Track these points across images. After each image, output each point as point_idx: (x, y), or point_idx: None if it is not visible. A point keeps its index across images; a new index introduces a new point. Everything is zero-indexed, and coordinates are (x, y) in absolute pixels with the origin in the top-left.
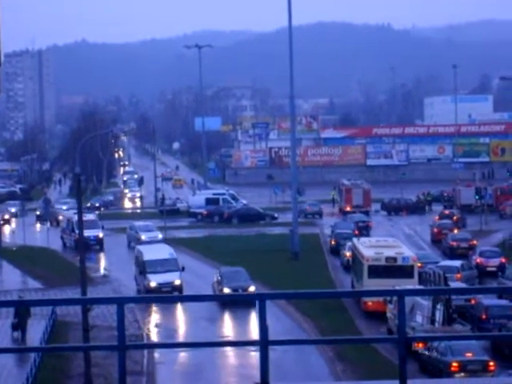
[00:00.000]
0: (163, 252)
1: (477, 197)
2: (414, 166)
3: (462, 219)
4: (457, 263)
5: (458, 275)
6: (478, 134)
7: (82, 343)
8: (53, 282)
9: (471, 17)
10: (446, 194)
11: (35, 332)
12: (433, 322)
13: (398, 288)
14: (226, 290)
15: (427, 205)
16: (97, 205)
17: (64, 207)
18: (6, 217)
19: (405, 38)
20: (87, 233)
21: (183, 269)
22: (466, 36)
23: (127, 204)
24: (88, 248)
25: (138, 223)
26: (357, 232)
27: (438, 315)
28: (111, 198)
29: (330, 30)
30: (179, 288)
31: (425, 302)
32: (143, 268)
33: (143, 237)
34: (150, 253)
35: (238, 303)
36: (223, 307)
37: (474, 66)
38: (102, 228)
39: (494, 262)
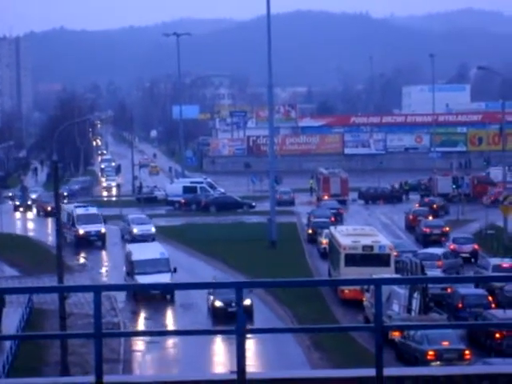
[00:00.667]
0: (154, 251)
1: (454, 186)
2: (392, 155)
3: (445, 207)
4: (439, 251)
5: (439, 263)
6: (456, 124)
7: (59, 331)
8: (30, 269)
9: (449, 6)
10: (423, 183)
11: (11, 320)
12: (409, 310)
13: (375, 277)
14: (218, 304)
15: (404, 194)
16: (65, 194)
17: (33, 196)
18: None
19: (383, 26)
20: (88, 228)
21: (175, 270)
22: (445, 25)
23: (102, 192)
24: (90, 244)
25: (131, 216)
26: (333, 219)
27: (415, 304)
28: (76, 186)
29: (308, 18)
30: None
31: (401, 291)
32: (132, 268)
33: (135, 230)
34: (140, 252)
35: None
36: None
37: (452, 56)
38: (105, 223)
39: (466, 248)
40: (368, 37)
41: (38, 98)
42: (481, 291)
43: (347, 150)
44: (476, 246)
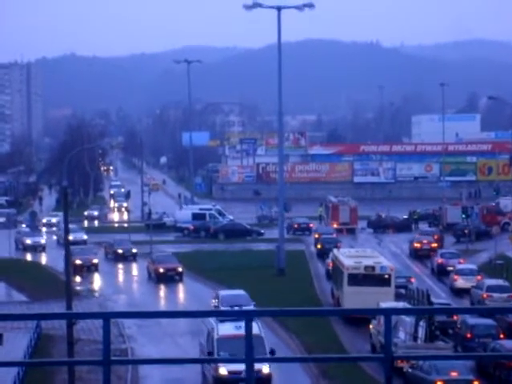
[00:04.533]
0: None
1: (463, 216)
2: (401, 184)
3: (441, 238)
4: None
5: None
6: (465, 153)
7: (67, 357)
8: (38, 295)
9: (459, 36)
10: (432, 213)
11: (19, 345)
12: (415, 338)
13: (383, 306)
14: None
15: (414, 223)
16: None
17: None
18: None
19: (393, 55)
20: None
21: (272, 352)
22: (454, 54)
23: (112, 217)
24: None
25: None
26: (335, 235)
27: (421, 332)
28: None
29: (318, 47)
30: (268, 378)
31: (408, 319)
32: (212, 348)
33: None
34: (226, 327)
35: None
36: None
37: (462, 85)
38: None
39: (453, 263)
40: (378, 66)
41: (48, 124)
42: (490, 321)
43: (356, 179)
44: (462, 261)
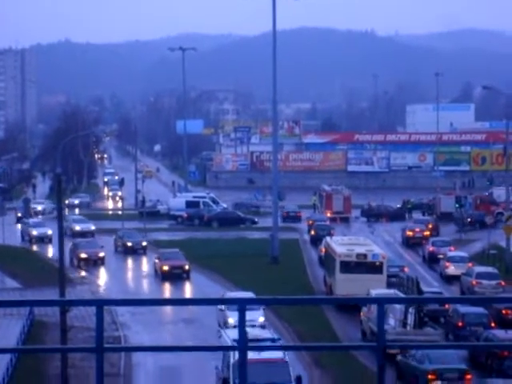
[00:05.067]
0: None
1: (457, 205)
2: (395, 174)
3: (436, 227)
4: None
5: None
6: (459, 143)
7: (60, 344)
8: (31, 281)
9: (453, 25)
10: (426, 202)
11: (12, 332)
12: (405, 325)
13: (375, 294)
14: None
15: (407, 212)
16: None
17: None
18: None
19: (388, 44)
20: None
21: (299, 379)
22: (449, 44)
23: (107, 204)
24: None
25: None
26: (328, 222)
27: (410, 318)
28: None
29: (313, 35)
30: None
31: (397, 306)
32: (228, 373)
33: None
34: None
35: None
36: None
37: (457, 75)
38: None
39: (444, 251)
40: (373, 54)
41: (42, 110)
42: (481, 310)
43: (350, 168)
44: (452, 249)
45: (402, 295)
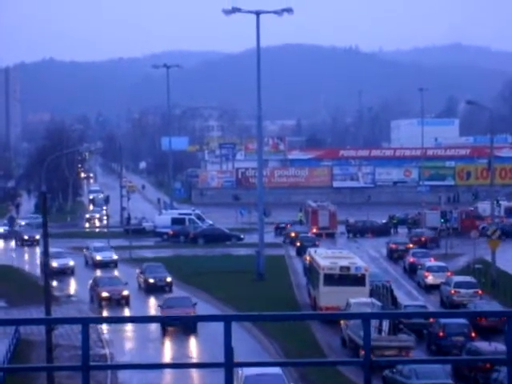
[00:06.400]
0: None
1: (442, 220)
2: (380, 189)
3: (435, 240)
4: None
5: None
6: (444, 158)
7: (46, 363)
8: (16, 300)
9: (437, 41)
10: (410, 217)
11: None
12: (380, 331)
13: (355, 304)
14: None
15: (393, 227)
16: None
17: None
18: None
19: (372, 60)
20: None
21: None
22: (432, 59)
23: (92, 222)
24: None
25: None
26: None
27: (385, 325)
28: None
29: (298, 52)
30: None
31: None
32: None
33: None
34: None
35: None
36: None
37: (441, 90)
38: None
39: (424, 261)
40: (357, 70)
41: (27, 129)
42: (462, 320)
43: (336, 183)
44: (432, 260)
45: (378, 303)
